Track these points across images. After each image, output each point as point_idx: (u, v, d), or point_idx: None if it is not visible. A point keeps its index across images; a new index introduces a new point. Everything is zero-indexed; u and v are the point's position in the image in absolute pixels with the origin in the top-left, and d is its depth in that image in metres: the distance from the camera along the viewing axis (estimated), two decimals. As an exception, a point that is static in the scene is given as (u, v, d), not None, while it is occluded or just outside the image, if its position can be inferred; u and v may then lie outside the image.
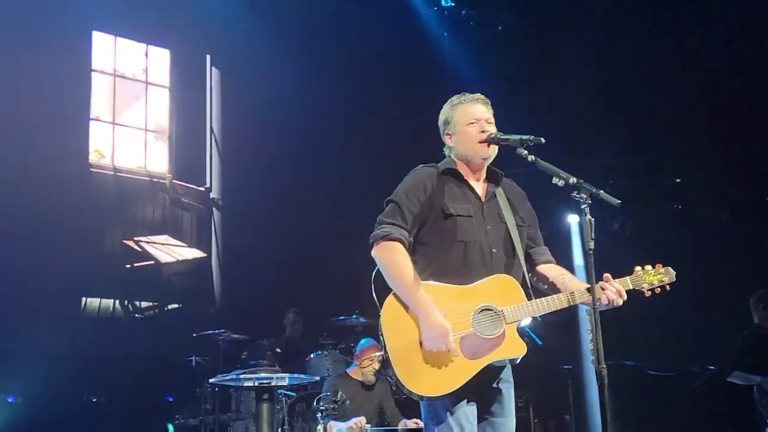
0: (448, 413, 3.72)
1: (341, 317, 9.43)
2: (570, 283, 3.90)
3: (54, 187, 9.75)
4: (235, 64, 11.83)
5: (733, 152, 11.04)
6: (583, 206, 3.56)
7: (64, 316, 9.74)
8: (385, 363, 7.12)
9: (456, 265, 3.81)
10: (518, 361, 3.80)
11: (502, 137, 3.91)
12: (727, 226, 10.87)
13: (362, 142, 11.52)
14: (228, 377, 7.07)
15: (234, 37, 11.14)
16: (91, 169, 10.79)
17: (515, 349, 3.74)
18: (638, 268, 3.92)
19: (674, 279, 3.93)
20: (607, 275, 3.82)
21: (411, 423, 7.50)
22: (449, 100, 4.12)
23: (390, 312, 3.75)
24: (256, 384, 6.94)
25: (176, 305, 11.30)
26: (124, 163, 11.19)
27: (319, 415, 7.15)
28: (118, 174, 11.04)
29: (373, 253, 3.86)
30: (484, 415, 3.84)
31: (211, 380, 7.67)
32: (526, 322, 3.80)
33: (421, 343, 3.68)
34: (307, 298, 10.46)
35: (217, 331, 8.84)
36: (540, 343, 8.23)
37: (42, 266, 9.38)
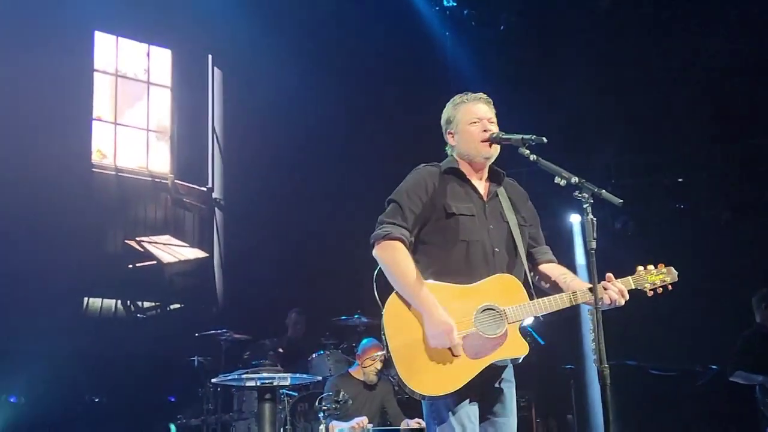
0: (450, 413, 3.72)
1: (343, 317, 9.42)
2: (572, 283, 3.90)
3: (56, 187, 9.75)
4: (236, 64, 11.83)
5: (734, 152, 11.05)
6: (585, 206, 3.55)
7: (66, 316, 9.73)
8: (387, 362, 7.13)
9: (458, 265, 3.81)
10: (520, 361, 3.79)
11: (503, 137, 3.91)
12: (729, 226, 10.86)
13: (364, 141, 11.53)
14: (230, 377, 7.08)
15: (236, 37, 11.15)
16: (93, 169, 10.79)
17: (517, 348, 3.74)
18: (640, 267, 3.91)
19: (676, 279, 3.93)
20: (609, 275, 3.82)
21: (413, 423, 7.50)
22: (452, 100, 4.12)
23: (392, 311, 3.75)
24: (258, 384, 6.95)
25: (178, 305, 11.30)
26: (126, 163, 11.20)
27: (321, 414, 7.15)
28: (119, 174, 11.04)
29: (374, 252, 3.86)
30: (485, 414, 3.84)
31: (213, 380, 7.68)
32: (529, 321, 3.80)
33: (423, 342, 3.68)
34: (309, 298, 10.46)
35: (219, 331, 8.84)
36: (542, 342, 8.22)
37: (44, 266, 9.38)
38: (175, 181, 11.47)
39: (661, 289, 3.90)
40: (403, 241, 3.81)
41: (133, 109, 11.51)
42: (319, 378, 8.10)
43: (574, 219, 11.12)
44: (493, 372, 3.79)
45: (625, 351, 9.57)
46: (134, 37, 11.49)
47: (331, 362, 8.93)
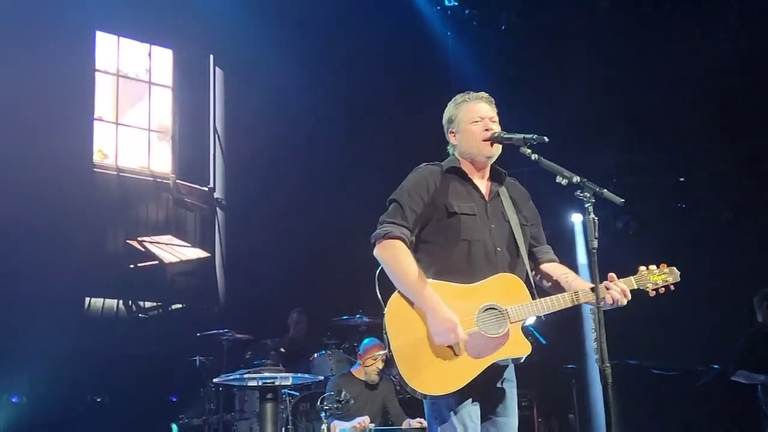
0: (451, 413, 3.71)
1: (345, 317, 9.42)
2: (574, 283, 3.90)
3: (57, 187, 9.75)
4: (238, 63, 11.84)
5: (737, 151, 11.05)
6: (586, 205, 3.55)
7: (68, 316, 9.74)
8: (389, 362, 7.12)
9: (460, 264, 3.81)
10: (522, 360, 3.79)
11: (505, 136, 3.91)
12: (731, 225, 10.86)
13: (365, 141, 11.53)
14: (232, 377, 7.07)
15: (237, 37, 11.15)
16: (95, 169, 10.80)
17: (520, 348, 3.74)
18: (643, 267, 3.91)
19: (679, 279, 3.93)
20: (612, 275, 3.82)
21: (415, 422, 7.49)
22: (453, 99, 4.12)
23: (394, 310, 3.75)
24: (260, 384, 6.93)
25: (180, 305, 11.30)
26: (128, 163, 11.20)
27: (322, 414, 7.15)
28: (121, 174, 11.04)
29: (375, 252, 3.86)
30: (487, 414, 3.84)
31: (214, 380, 7.68)
32: (531, 321, 3.80)
33: (425, 342, 3.68)
34: (310, 298, 10.46)
35: (220, 331, 8.85)
36: (544, 342, 8.23)
37: (45, 266, 9.39)
38: (177, 181, 11.48)
39: (663, 289, 3.89)
40: (403, 240, 3.81)
41: (135, 109, 11.51)
42: (321, 378, 8.10)
43: (576, 218, 11.12)
44: (495, 372, 3.79)
45: (627, 350, 9.55)
46: (135, 37, 11.50)
47: (332, 362, 8.92)
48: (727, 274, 10.10)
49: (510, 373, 3.94)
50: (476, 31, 11.92)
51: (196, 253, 11.59)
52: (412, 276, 3.72)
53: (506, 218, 3.97)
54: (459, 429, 3.70)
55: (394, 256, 3.79)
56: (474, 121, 3.99)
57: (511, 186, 4.13)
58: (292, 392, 7.86)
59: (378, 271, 3.84)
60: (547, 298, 3.80)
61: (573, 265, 4.21)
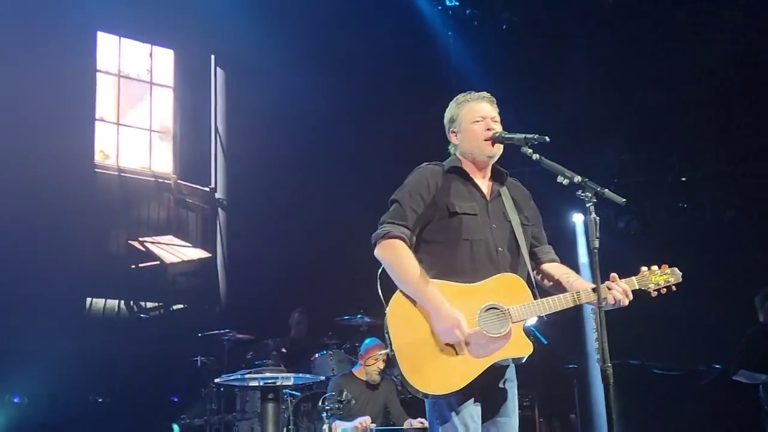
0: (453, 413, 3.71)
1: (346, 317, 9.43)
2: (575, 283, 3.90)
3: (59, 187, 9.76)
4: (239, 64, 11.84)
5: (737, 150, 11.03)
6: (588, 205, 3.55)
7: (69, 317, 9.75)
8: (391, 362, 7.12)
9: (462, 264, 3.81)
10: (524, 360, 3.78)
11: (506, 136, 3.91)
12: (733, 225, 10.85)
13: (367, 141, 11.53)
14: (233, 377, 7.07)
15: (238, 37, 11.15)
16: (96, 170, 10.80)
17: (521, 348, 3.73)
18: (644, 268, 3.91)
19: (680, 279, 3.92)
20: (614, 275, 3.81)
21: (416, 422, 7.49)
22: (455, 98, 4.12)
23: (396, 310, 3.74)
24: (261, 384, 6.93)
25: (181, 305, 11.31)
26: (129, 163, 11.21)
27: (324, 414, 7.14)
28: (122, 174, 11.05)
29: (376, 252, 3.86)
30: (487, 414, 3.83)
31: (216, 380, 7.68)
32: (532, 321, 3.79)
33: (427, 341, 3.67)
34: (311, 298, 10.46)
35: (222, 331, 8.86)
36: (545, 342, 8.22)
37: (47, 266, 9.40)
38: (178, 181, 11.48)
39: (665, 289, 3.89)
40: (403, 240, 3.81)
41: (136, 110, 11.52)
42: (322, 378, 8.10)
43: (577, 218, 11.11)
44: (496, 372, 3.78)
45: (629, 350, 9.56)
46: (137, 38, 11.51)
47: (333, 362, 8.92)
48: (728, 273, 10.10)
49: (511, 373, 3.93)
50: (477, 30, 11.93)
51: (198, 254, 11.60)
52: (414, 275, 3.72)
53: (507, 218, 3.97)
54: (460, 429, 3.70)
55: (395, 255, 3.79)
56: (475, 120, 3.99)
57: (513, 186, 4.12)
58: (293, 392, 7.86)
59: (379, 271, 3.85)
60: (549, 297, 3.79)
61: (574, 265, 4.21)
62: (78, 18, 10.31)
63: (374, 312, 8.69)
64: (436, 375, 3.65)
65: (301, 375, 7.37)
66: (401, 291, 3.76)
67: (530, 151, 3.80)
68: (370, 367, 7.76)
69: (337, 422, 7.22)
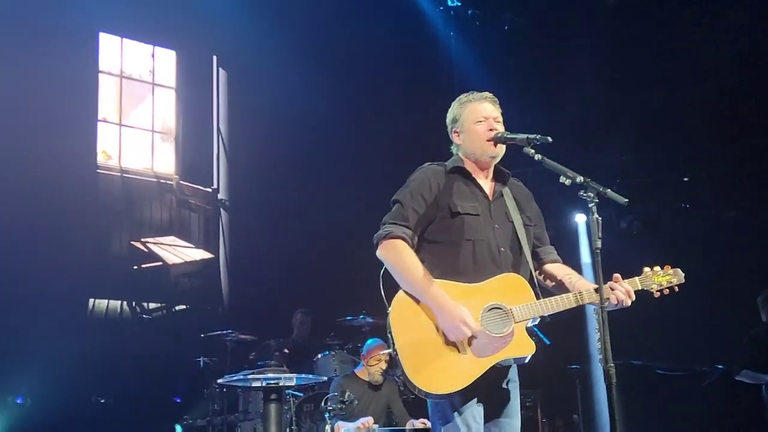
0: (455, 413, 3.71)
1: (348, 317, 9.43)
2: (578, 283, 3.89)
3: (61, 188, 9.77)
4: (241, 64, 11.84)
5: (740, 150, 11.02)
6: (590, 205, 3.55)
7: (72, 318, 9.76)
8: (393, 362, 7.13)
9: (464, 264, 3.81)
10: (527, 361, 3.78)
11: (509, 136, 3.91)
12: (735, 225, 10.84)
13: (369, 141, 11.53)
14: (236, 378, 7.07)
15: (240, 37, 11.14)
16: (98, 171, 10.81)
17: (524, 348, 3.73)
18: (647, 268, 3.91)
19: (683, 280, 3.92)
20: (616, 275, 3.81)
21: (418, 423, 7.49)
22: (458, 98, 4.12)
23: (398, 309, 3.74)
24: (264, 384, 6.93)
25: (184, 306, 11.32)
26: (131, 164, 11.22)
27: (326, 415, 7.14)
28: (125, 175, 11.06)
29: (378, 253, 3.86)
30: (490, 415, 3.83)
31: (218, 381, 7.68)
32: (535, 321, 3.79)
33: (429, 341, 3.67)
34: (314, 299, 10.45)
35: (224, 332, 8.86)
36: (548, 342, 8.22)
37: (49, 267, 9.40)
38: (180, 182, 11.49)
39: (668, 290, 3.89)
40: (405, 240, 3.81)
41: (138, 110, 11.53)
42: (325, 378, 8.10)
43: (580, 218, 11.12)
44: (499, 372, 3.78)
45: (631, 351, 9.56)
46: (139, 38, 11.51)
47: (336, 362, 8.93)
48: (731, 274, 10.10)
49: (513, 374, 3.93)
50: (479, 31, 11.91)
51: (200, 254, 11.60)
52: (418, 274, 3.73)
53: (510, 218, 3.97)
54: (462, 429, 3.70)
55: (398, 255, 3.79)
56: (478, 120, 3.99)
57: (515, 186, 4.13)
58: (296, 393, 7.87)
59: (382, 271, 3.85)
60: (552, 298, 3.79)
61: (577, 265, 4.21)
62: (80, 19, 10.31)
63: (377, 312, 8.70)
64: (439, 375, 3.65)
65: (303, 375, 7.37)
66: (403, 291, 3.76)
67: (532, 151, 3.80)
68: (372, 368, 7.76)
69: (340, 423, 7.22)
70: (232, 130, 11.97)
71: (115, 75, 11.31)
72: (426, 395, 3.71)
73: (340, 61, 11.56)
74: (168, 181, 11.42)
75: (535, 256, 4.06)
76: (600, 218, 3.53)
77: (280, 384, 6.93)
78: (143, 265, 10.98)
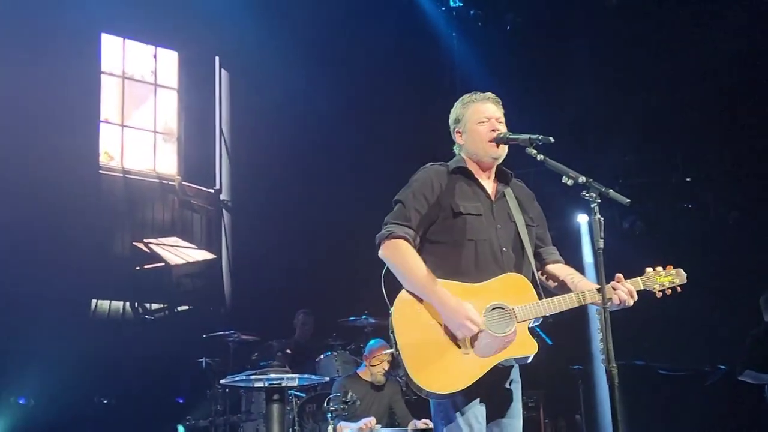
0: (458, 413, 3.71)
1: (351, 318, 9.43)
2: (580, 283, 3.89)
3: (64, 189, 9.77)
4: (243, 65, 11.84)
5: (743, 151, 11.02)
6: (592, 205, 3.55)
7: (74, 319, 9.77)
8: (395, 363, 7.13)
9: (467, 264, 3.81)
10: (530, 361, 3.78)
11: (511, 137, 3.91)
12: (737, 225, 10.84)
13: (371, 142, 11.54)
14: (238, 378, 7.08)
15: (242, 38, 11.16)
16: (101, 171, 10.81)
17: (526, 347, 3.73)
18: (649, 269, 3.91)
19: (685, 281, 3.92)
20: (619, 275, 3.81)
21: (421, 423, 7.50)
22: (460, 99, 4.12)
23: (400, 310, 3.74)
24: (267, 385, 6.94)
25: (186, 307, 11.32)
26: (134, 165, 11.23)
27: (329, 415, 7.15)
28: (127, 176, 11.07)
29: (380, 253, 3.86)
30: (491, 415, 3.82)
31: (221, 381, 7.68)
32: (537, 321, 3.79)
33: (432, 341, 3.67)
34: (316, 299, 10.45)
35: (227, 333, 8.86)
36: (550, 342, 8.22)
37: (52, 268, 9.41)
38: (183, 182, 11.49)
39: (670, 290, 3.89)
40: (407, 240, 3.81)
41: (140, 111, 11.54)
42: (327, 379, 8.11)
43: (582, 219, 11.12)
44: (501, 372, 3.78)
45: (634, 351, 9.56)
46: (141, 39, 11.53)
47: (338, 363, 8.93)
48: (733, 274, 10.09)
49: (516, 374, 3.93)
50: (481, 31, 11.92)
51: (202, 255, 11.61)
52: (421, 273, 3.73)
53: (512, 219, 3.97)
54: (465, 429, 3.70)
55: (400, 255, 3.79)
56: (480, 121, 3.99)
57: (517, 187, 4.13)
58: (298, 393, 7.87)
59: (384, 272, 3.85)
60: (554, 298, 3.79)
61: (579, 265, 4.22)
62: (82, 20, 10.31)
63: (379, 313, 8.70)
64: (441, 374, 3.65)
65: (306, 376, 7.38)
66: (405, 291, 3.76)
67: (535, 151, 3.80)
68: (375, 368, 7.76)
69: (342, 423, 7.23)
70: (234, 131, 11.98)
71: (118, 76, 11.32)
72: (428, 395, 3.71)
73: (342, 62, 11.57)
74: (170, 182, 11.43)
75: (538, 256, 4.06)
76: (602, 218, 3.53)
77: (283, 384, 6.94)
78: (145, 266, 10.98)
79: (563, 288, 3.95)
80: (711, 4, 10.71)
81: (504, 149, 3.97)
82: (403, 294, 3.76)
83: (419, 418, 7.56)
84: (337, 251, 10.91)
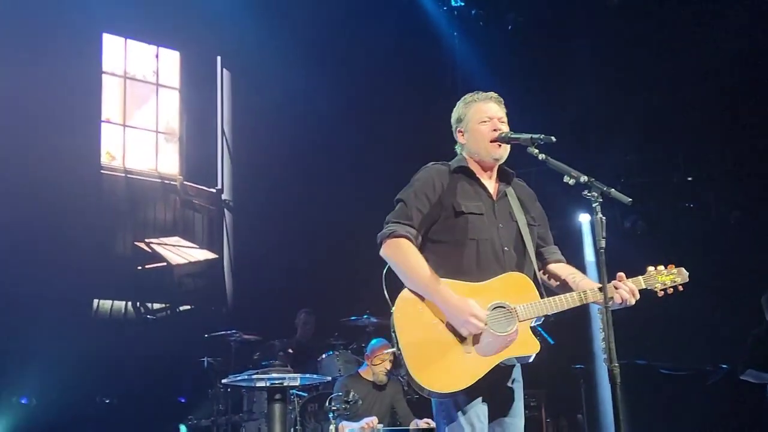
0: (459, 412, 3.71)
1: (352, 317, 9.43)
2: (581, 282, 3.90)
3: (65, 189, 9.78)
4: (245, 65, 11.84)
5: (744, 151, 11.01)
6: (594, 205, 3.55)
7: (76, 318, 9.77)
8: (397, 362, 7.13)
9: (469, 263, 3.81)
10: (531, 359, 3.78)
11: (512, 136, 3.91)
12: (739, 225, 10.83)
13: (372, 141, 11.54)
14: (240, 378, 7.08)
15: (244, 38, 11.15)
16: (102, 171, 10.82)
17: (528, 347, 3.73)
18: (651, 268, 3.90)
19: (687, 279, 3.92)
20: (620, 274, 3.81)
21: (422, 423, 7.50)
22: (463, 98, 4.12)
23: (402, 309, 3.74)
24: (268, 384, 6.94)
25: (188, 306, 11.33)
26: (135, 164, 11.23)
27: (331, 415, 7.16)
28: (129, 176, 11.07)
29: (382, 252, 3.86)
30: (493, 414, 3.83)
31: (223, 381, 7.68)
32: (539, 320, 3.79)
33: (433, 340, 3.67)
34: (318, 299, 10.46)
35: (228, 332, 8.87)
36: (552, 342, 8.22)
37: (53, 268, 9.41)
38: (184, 182, 11.50)
39: (671, 289, 3.89)
40: (409, 239, 3.81)
41: (142, 111, 11.54)
42: (329, 378, 8.10)
43: (584, 218, 11.11)
44: (503, 371, 3.79)
45: (635, 350, 9.55)
46: (143, 39, 11.53)
47: (340, 362, 8.93)
48: (734, 273, 10.08)
49: (518, 373, 3.94)
50: (483, 31, 11.93)
51: (204, 255, 11.61)
52: (423, 272, 3.73)
53: (514, 218, 3.97)
54: (467, 429, 3.70)
55: (402, 254, 3.79)
56: (482, 121, 3.99)
57: (518, 186, 4.13)
58: (300, 393, 7.88)
59: (385, 271, 3.85)
60: (556, 297, 3.79)
61: (581, 265, 4.23)
62: (83, 20, 10.32)
63: (380, 312, 8.71)
64: (443, 374, 3.65)
65: (307, 375, 7.38)
66: (407, 290, 3.76)
67: (536, 151, 3.81)
68: (376, 368, 7.77)
69: (344, 423, 7.23)
70: (235, 131, 11.98)
71: (119, 76, 11.32)
72: (430, 394, 3.71)
73: (343, 62, 11.57)
74: (172, 182, 11.44)
75: (539, 255, 4.06)
76: (604, 218, 3.53)
77: (285, 384, 6.93)
78: (147, 266, 10.99)
79: (565, 287, 3.95)
80: (712, 3, 10.71)
81: (505, 150, 3.97)
82: (404, 293, 3.76)
83: (421, 418, 7.56)
84: (339, 251, 10.92)
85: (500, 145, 3.95)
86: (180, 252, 11.37)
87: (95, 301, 10.46)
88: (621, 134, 11.14)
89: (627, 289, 3.75)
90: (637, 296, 3.79)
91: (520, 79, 11.24)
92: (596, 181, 3.58)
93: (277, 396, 6.96)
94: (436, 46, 12.22)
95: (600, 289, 3.62)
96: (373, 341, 7.96)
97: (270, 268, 10.98)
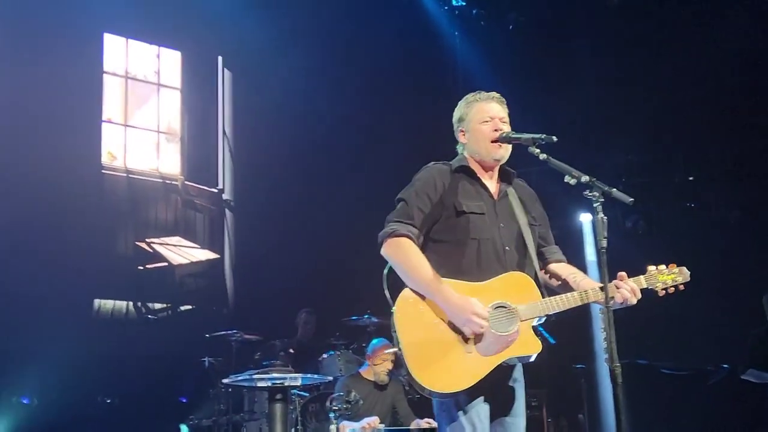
0: (460, 412, 3.71)
1: (353, 317, 9.43)
2: (582, 282, 3.90)
3: (66, 189, 9.78)
4: (246, 65, 11.85)
5: (745, 150, 11.01)
6: (595, 205, 3.53)
7: (78, 318, 9.78)
8: (398, 362, 7.13)
9: (470, 263, 3.80)
10: (533, 359, 3.78)
11: (513, 136, 3.91)
12: (739, 225, 10.84)
13: (374, 142, 11.54)
14: (241, 378, 7.07)
15: (245, 38, 11.16)
16: (104, 171, 10.82)
17: (530, 346, 3.73)
18: (652, 267, 3.89)
19: (688, 279, 3.91)
20: (622, 274, 3.81)
21: (424, 423, 7.49)
22: (465, 98, 4.12)
23: (403, 308, 3.74)
24: (269, 384, 6.93)
25: (189, 306, 11.33)
26: (136, 164, 11.23)
27: (332, 415, 7.15)
28: (130, 176, 11.07)
29: (383, 251, 3.86)
30: (495, 414, 3.82)
31: (224, 381, 7.68)
32: (540, 320, 3.79)
33: (434, 340, 3.67)
34: (319, 299, 10.46)
35: (229, 332, 8.87)
36: (553, 342, 8.21)
37: (54, 268, 9.41)
38: (186, 182, 11.50)
39: (672, 289, 3.89)
40: (410, 238, 3.81)
41: (143, 111, 11.55)
42: (330, 378, 8.10)
43: (585, 218, 11.11)
44: (504, 371, 3.79)
45: (637, 350, 9.55)
46: (144, 39, 11.53)
47: (341, 362, 8.94)
48: (735, 273, 10.08)
49: (519, 373, 3.94)
50: (484, 30, 11.93)
51: (205, 255, 11.62)
52: (424, 271, 3.72)
53: (515, 218, 3.97)
54: (468, 428, 3.70)
55: (403, 253, 3.78)
56: (484, 120, 3.99)
57: (519, 186, 4.13)
58: (301, 393, 7.88)
59: (386, 270, 3.84)
60: (557, 296, 3.79)
61: (582, 265, 4.23)
62: (84, 19, 10.32)
63: (381, 312, 8.69)
64: (444, 373, 3.64)
65: (308, 375, 7.37)
66: (408, 289, 3.76)
67: (538, 151, 3.80)
68: (377, 367, 7.77)
69: (345, 422, 7.22)
70: (237, 131, 11.98)
71: (120, 76, 11.33)
72: (431, 394, 3.71)
73: (344, 62, 11.57)
74: (173, 182, 11.44)
75: (540, 255, 4.06)
76: (605, 218, 3.53)
77: (286, 384, 6.92)
78: (148, 266, 10.99)
79: (566, 287, 3.95)
80: (712, 3, 10.72)
81: (506, 150, 3.97)
82: (405, 292, 3.76)
83: (422, 418, 7.56)
84: (339, 251, 10.91)
85: (501, 145, 3.95)
86: (181, 252, 11.38)
87: (96, 301, 10.46)
88: (622, 134, 11.15)
89: (628, 289, 3.75)
90: (639, 296, 3.78)
91: (521, 78, 11.24)
92: (597, 180, 3.57)
93: (278, 396, 6.95)
94: (437, 46, 12.22)
95: (601, 288, 3.62)
96: (374, 341, 7.96)
97: (271, 267, 10.99)
